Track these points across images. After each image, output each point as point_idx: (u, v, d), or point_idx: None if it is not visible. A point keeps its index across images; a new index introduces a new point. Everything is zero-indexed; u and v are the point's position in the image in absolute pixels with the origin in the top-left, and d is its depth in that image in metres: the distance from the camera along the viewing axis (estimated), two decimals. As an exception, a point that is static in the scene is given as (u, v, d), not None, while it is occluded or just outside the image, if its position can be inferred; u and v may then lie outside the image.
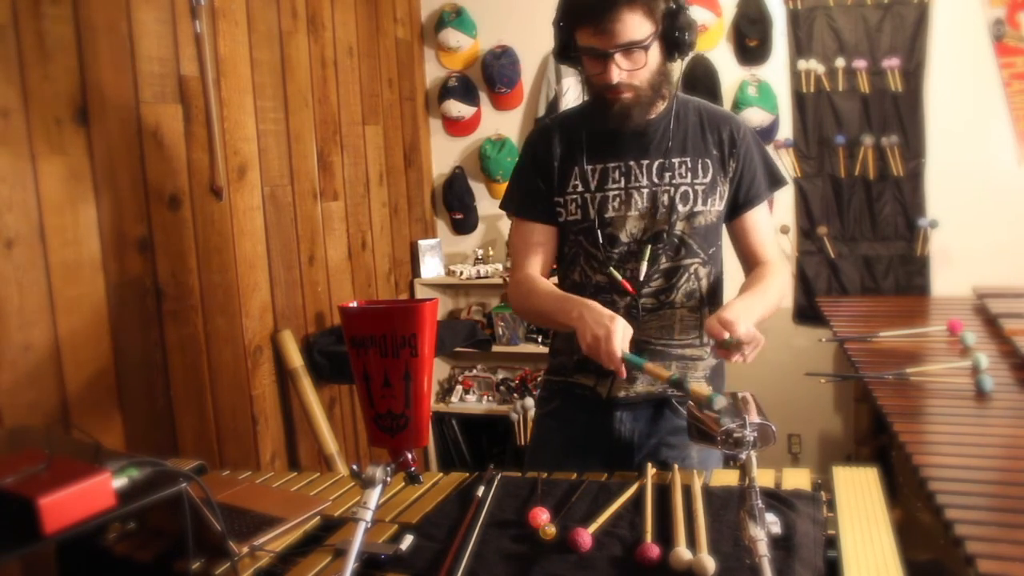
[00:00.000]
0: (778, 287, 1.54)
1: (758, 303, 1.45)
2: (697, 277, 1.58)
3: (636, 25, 1.40)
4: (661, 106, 1.56)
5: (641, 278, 1.55)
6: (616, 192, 1.56)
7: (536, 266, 1.63)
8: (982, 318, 2.54)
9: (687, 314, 1.58)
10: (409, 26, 3.46)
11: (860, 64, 3.05)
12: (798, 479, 1.31)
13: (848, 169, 3.12)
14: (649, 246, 1.55)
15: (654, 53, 1.45)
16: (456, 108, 3.48)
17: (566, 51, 1.53)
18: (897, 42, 3.02)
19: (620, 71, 1.44)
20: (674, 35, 1.46)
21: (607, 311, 1.38)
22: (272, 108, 2.50)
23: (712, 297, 1.61)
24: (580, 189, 1.58)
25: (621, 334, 1.33)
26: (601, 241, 1.56)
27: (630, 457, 1.61)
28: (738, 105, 3.14)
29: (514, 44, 3.43)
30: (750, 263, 1.63)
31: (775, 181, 1.63)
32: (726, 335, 1.33)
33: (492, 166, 3.44)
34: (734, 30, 3.18)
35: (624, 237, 1.56)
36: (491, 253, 3.52)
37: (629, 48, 1.42)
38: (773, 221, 2.94)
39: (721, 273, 1.64)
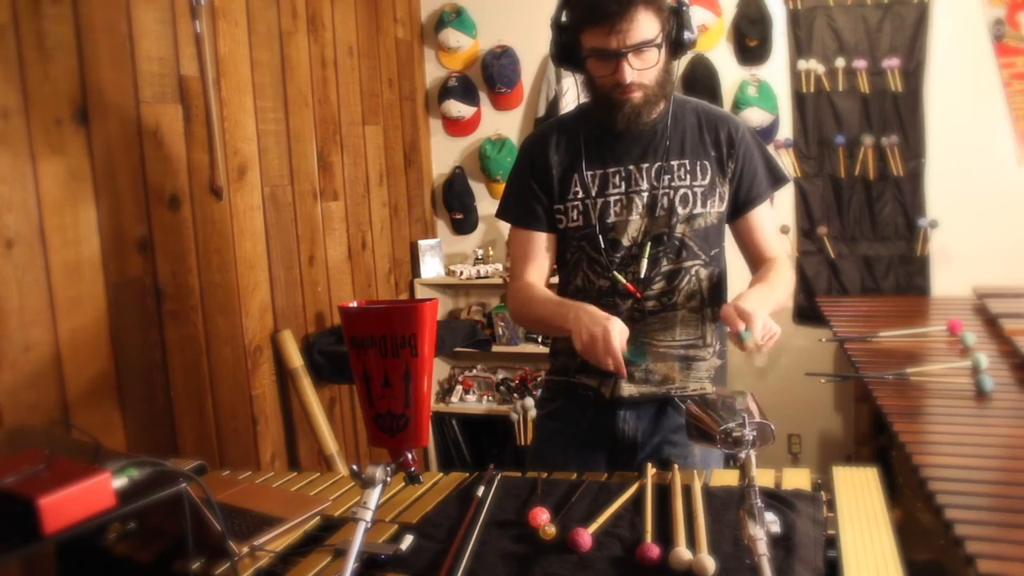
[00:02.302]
0: (786, 282, 1.55)
1: (771, 295, 1.45)
2: (698, 279, 1.58)
3: (648, 24, 1.41)
4: (661, 107, 1.55)
5: (642, 276, 1.55)
6: (617, 197, 1.56)
7: (535, 274, 1.63)
8: (982, 318, 2.54)
9: (688, 315, 1.58)
10: (409, 26, 3.46)
11: (860, 64, 3.05)
12: (798, 479, 1.31)
13: (848, 169, 3.12)
14: (649, 246, 1.55)
15: (662, 51, 1.45)
16: (456, 108, 3.48)
17: (569, 52, 1.51)
18: (897, 42, 3.01)
19: (632, 71, 1.43)
20: (680, 33, 1.47)
21: (603, 313, 1.38)
22: (272, 108, 2.50)
23: (714, 298, 1.61)
24: (581, 195, 1.57)
25: (619, 333, 1.34)
26: (603, 246, 1.56)
27: (633, 456, 1.61)
28: (738, 105, 3.14)
29: (514, 44, 3.43)
30: (756, 261, 1.63)
31: (776, 180, 1.63)
32: (742, 326, 1.31)
33: (492, 166, 3.44)
34: (734, 30, 3.18)
35: (626, 241, 1.56)
36: (491, 253, 3.52)
37: (641, 48, 1.42)
38: (773, 222, 2.94)
39: (724, 274, 1.64)
